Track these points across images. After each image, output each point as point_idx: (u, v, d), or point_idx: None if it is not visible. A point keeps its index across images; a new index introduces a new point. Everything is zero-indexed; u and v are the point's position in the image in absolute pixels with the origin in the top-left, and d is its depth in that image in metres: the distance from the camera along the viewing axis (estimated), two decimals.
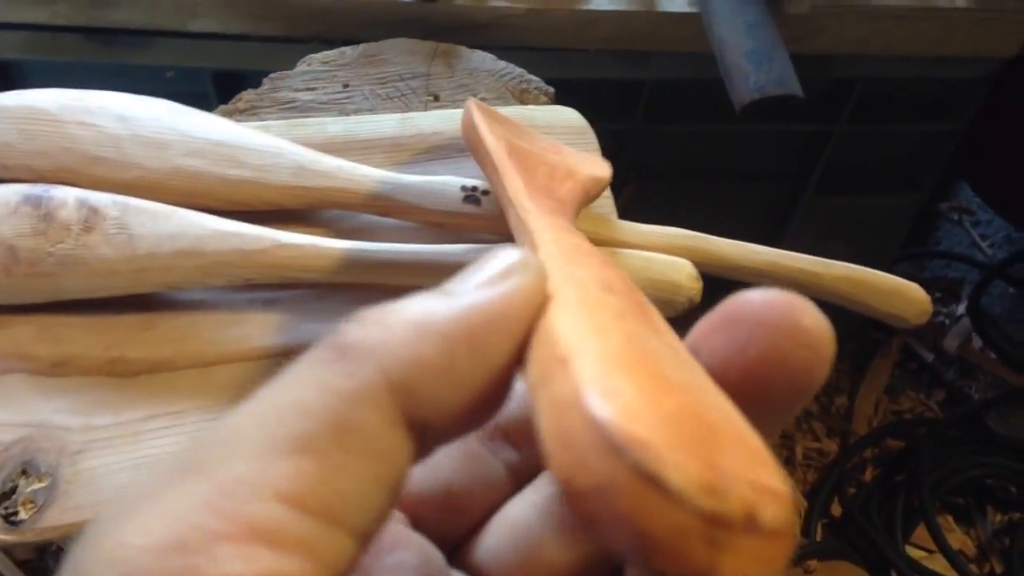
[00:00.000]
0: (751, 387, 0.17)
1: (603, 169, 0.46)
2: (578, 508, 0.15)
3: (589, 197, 0.43)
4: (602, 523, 0.14)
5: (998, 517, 1.16)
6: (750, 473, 0.15)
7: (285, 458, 0.15)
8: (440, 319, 0.17)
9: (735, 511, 0.14)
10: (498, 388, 0.18)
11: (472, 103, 0.46)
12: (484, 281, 0.18)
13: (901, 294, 0.49)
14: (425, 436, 0.17)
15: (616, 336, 0.17)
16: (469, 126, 0.45)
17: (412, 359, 0.17)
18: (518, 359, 0.18)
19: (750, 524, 0.14)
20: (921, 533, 1.10)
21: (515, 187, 0.37)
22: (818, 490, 1.14)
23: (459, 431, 0.18)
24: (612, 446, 0.14)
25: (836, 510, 1.14)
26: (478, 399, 0.18)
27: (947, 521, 1.15)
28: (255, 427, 0.16)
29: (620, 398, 0.15)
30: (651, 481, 0.14)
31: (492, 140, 0.42)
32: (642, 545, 0.14)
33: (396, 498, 0.17)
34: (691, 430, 0.15)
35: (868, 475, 1.18)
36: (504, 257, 0.19)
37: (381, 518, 0.17)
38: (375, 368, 0.16)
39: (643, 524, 0.14)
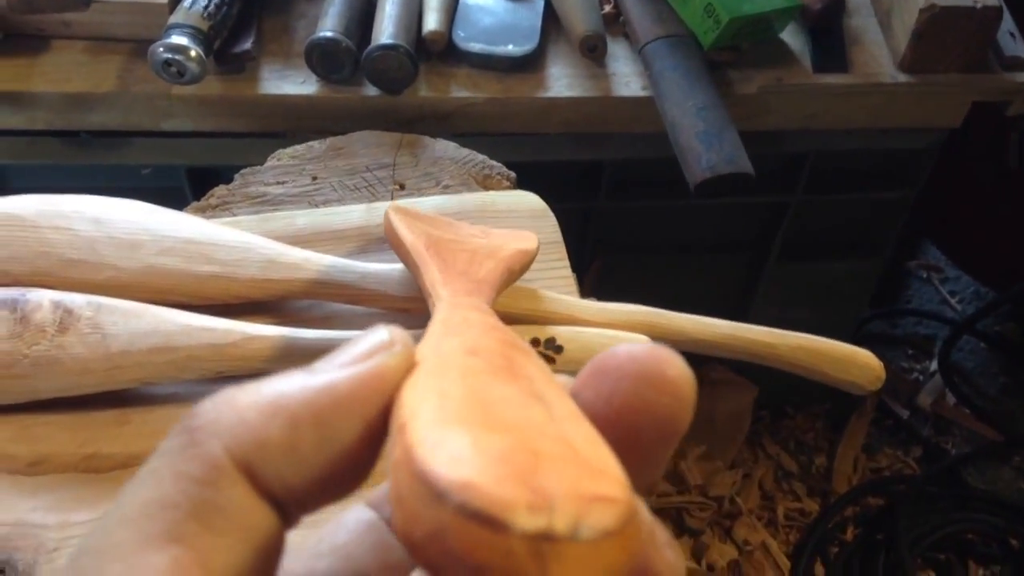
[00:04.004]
0: (621, 432, 0.19)
1: (530, 243, 0.48)
2: (421, 560, 0.16)
3: (514, 271, 0.45)
4: (443, 568, 0.16)
5: (979, 572, 1.16)
6: (581, 487, 0.16)
7: (157, 551, 0.16)
8: (289, 400, 0.18)
9: (559, 523, 0.15)
10: (356, 464, 0.19)
11: (390, 209, 0.48)
12: (347, 361, 0.19)
13: (855, 362, 0.51)
14: (285, 508, 0.18)
15: (457, 394, 0.18)
16: (389, 231, 0.47)
17: (255, 439, 0.18)
18: (378, 436, 0.19)
19: (576, 531, 0.15)
20: None
21: (431, 278, 0.40)
22: (801, 551, 1.14)
23: (319, 503, 0.19)
24: (436, 493, 0.16)
25: (819, 570, 1.14)
26: (332, 475, 0.18)
27: None
28: (124, 528, 0.17)
29: (445, 448, 0.16)
30: (474, 515, 0.15)
31: (410, 237, 0.44)
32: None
33: (274, 566, 0.18)
34: (517, 463, 0.16)
35: (849, 534, 1.19)
36: (372, 337, 0.20)
37: None
38: (219, 448, 0.17)
39: (475, 557, 0.15)
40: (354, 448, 0.19)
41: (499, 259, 0.44)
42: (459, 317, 0.27)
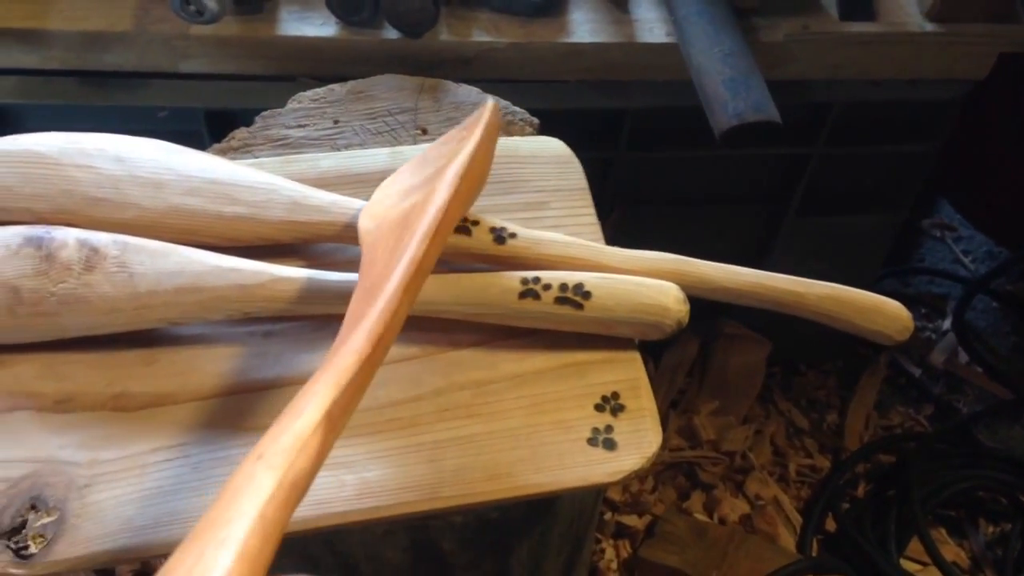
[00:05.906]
0: None
1: (472, 138, 0.45)
2: None
3: (448, 220, 0.41)
4: None
5: (990, 529, 1.17)
6: None
7: None
8: None
9: None
10: None
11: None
12: None
13: (882, 311, 0.50)
14: None
15: None
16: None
17: None
18: None
19: None
20: (915, 546, 1.10)
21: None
22: (812, 506, 1.15)
23: None
24: None
25: (831, 525, 1.15)
26: None
27: (940, 534, 1.15)
28: None
29: None
30: None
31: (363, 239, 0.43)
32: None
33: None
34: None
35: (861, 490, 1.19)
36: None
37: None
38: None
39: None
40: None
41: (422, 230, 0.39)
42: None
